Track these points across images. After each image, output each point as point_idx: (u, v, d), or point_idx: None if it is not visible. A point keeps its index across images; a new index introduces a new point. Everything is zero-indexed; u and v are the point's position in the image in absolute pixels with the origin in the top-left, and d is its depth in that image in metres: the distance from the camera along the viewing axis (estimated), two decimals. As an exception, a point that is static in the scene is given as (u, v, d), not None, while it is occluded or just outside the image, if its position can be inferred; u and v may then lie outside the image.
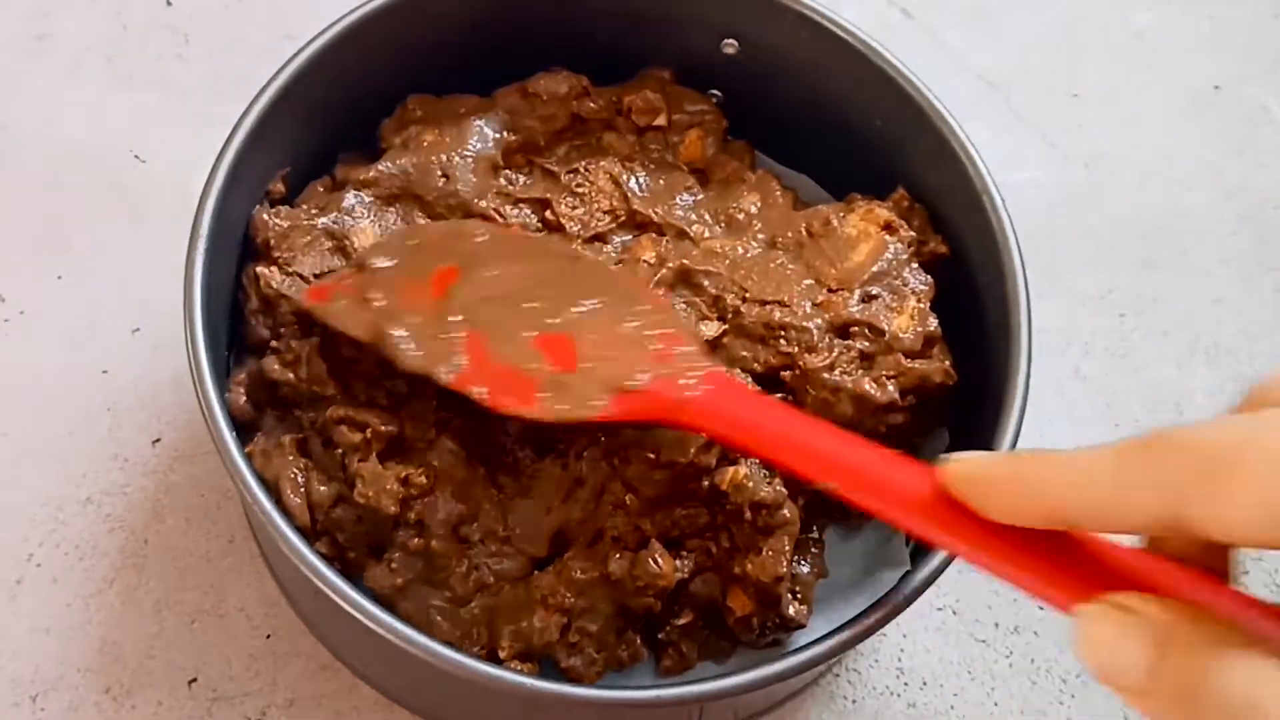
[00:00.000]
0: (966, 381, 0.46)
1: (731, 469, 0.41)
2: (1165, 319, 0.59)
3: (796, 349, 0.43)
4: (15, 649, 0.47)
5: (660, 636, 0.43)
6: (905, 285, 0.45)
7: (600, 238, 0.48)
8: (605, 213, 0.48)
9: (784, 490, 0.41)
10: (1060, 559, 0.27)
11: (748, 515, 0.41)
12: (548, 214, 0.47)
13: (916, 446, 0.47)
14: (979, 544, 0.28)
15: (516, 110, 0.49)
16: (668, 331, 0.40)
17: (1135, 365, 0.57)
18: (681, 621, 0.43)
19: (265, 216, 0.45)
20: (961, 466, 0.28)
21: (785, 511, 0.41)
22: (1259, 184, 0.63)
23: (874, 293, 0.45)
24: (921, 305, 0.44)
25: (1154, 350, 0.58)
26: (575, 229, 0.47)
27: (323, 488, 0.42)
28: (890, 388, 0.43)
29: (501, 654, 0.41)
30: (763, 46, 0.50)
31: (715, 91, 0.52)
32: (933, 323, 0.44)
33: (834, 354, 0.43)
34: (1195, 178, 0.63)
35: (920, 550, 0.42)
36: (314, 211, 0.46)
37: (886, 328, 0.43)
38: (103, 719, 0.46)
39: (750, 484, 0.41)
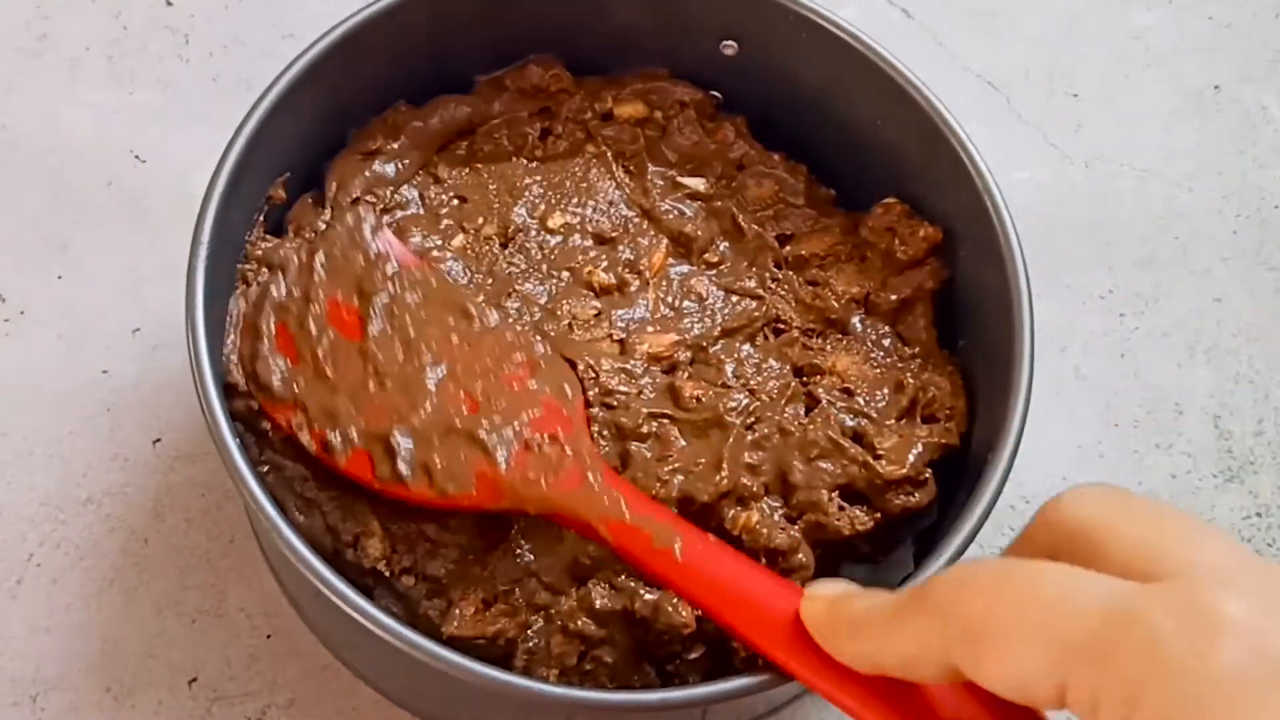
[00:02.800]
0: (968, 382, 0.46)
1: (745, 514, 0.41)
2: (1165, 319, 0.59)
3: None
4: (15, 649, 0.47)
5: (669, 669, 0.42)
6: None
7: (605, 239, 0.48)
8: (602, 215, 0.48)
9: (798, 536, 0.41)
10: (901, 704, 0.29)
11: (762, 560, 0.41)
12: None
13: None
14: (835, 684, 0.30)
15: (487, 107, 0.50)
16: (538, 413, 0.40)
17: (1135, 365, 0.57)
18: (692, 656, 0.42)
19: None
20: (810, 609, 0.30)
21: (801, 556, 0.41)
22: (1259, 184, 0.63)
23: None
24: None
25: (1154, 350, 0.58)
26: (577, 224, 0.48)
27: (302, 517, 0.41)
28: None
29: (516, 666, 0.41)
30: (762, 47, 0.50)
31: (716, 93, 0.52)
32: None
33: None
34: (1195, 178, 0.63)
35: (923, 555, 0.42)
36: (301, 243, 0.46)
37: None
38: (103, 719, 0.46)
39: (765, 530, 0.41)
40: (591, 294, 0.46)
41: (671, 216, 0.49)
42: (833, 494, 0.42)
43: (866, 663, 0.28)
